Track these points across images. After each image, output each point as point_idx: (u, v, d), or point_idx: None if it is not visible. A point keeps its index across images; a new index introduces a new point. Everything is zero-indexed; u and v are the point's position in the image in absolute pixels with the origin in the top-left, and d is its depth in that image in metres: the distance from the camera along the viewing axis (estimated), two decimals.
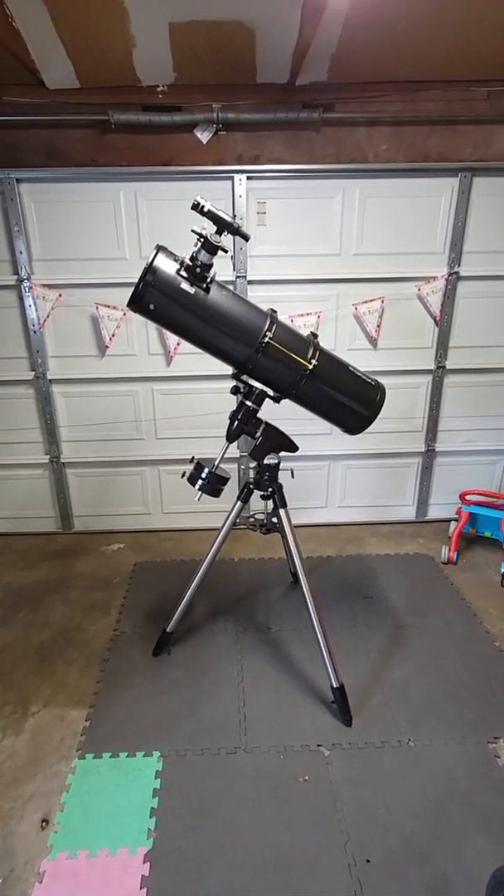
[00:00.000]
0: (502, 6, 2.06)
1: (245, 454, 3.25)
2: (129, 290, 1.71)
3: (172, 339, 2.99)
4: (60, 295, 2.91)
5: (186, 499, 3.31)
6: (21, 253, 2.85)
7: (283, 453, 2.01)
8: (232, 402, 2.01)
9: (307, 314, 2.99)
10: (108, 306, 2.92)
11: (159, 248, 1.72)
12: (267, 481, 2.02)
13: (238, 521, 2.12)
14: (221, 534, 2.10)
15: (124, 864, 1.49)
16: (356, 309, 3.01)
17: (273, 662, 2.25)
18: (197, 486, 1.90)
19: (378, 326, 3.04)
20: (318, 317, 3.00)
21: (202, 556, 2.13)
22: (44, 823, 1.62)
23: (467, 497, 3.11)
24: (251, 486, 2.06)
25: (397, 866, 1.49)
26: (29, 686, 2.15)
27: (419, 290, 3.00)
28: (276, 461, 2.00)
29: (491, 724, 1.94)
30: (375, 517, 3.48)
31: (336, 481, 3.40)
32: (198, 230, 1.67)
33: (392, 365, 3.13)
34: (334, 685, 1.94)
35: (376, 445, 3.28)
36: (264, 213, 2.88)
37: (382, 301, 2.99)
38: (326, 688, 2.00)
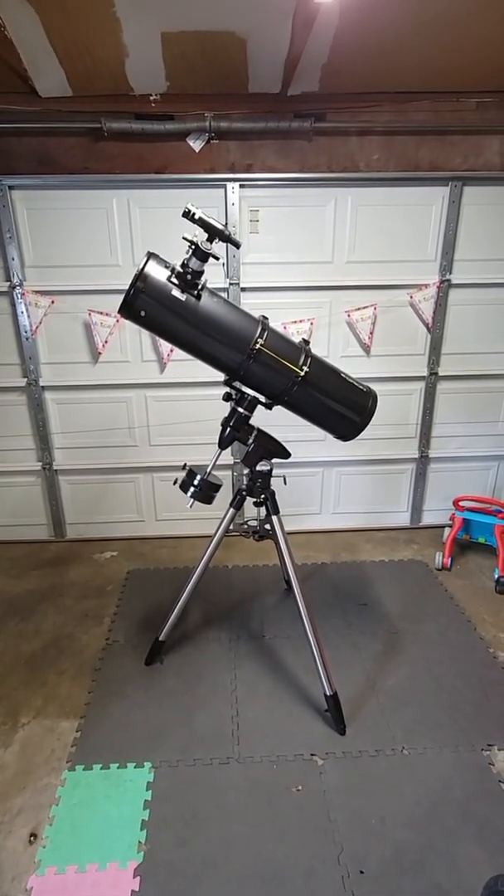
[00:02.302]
0: (490, 19, 2.09)
1: (238, 461, 3.24)
2: (122, 297, 1.71)
3: (166, 345, 2.99)
4: (53, 301, 2.91)
5: (180, 506, 3.30)
6: (13, 259, 2.84)
7: (275, 460, 2.01)
8: (225, 409, 2.01)
9: (300, 321, 3.00)
10: (101, 313, 2.92)
11: (150, 255, 1.72)
12: (259, 488, 2.01)
13: (231, 527, 2.11)
14: (214, 541, 2.09)
15: (114, 879, 1.47)
16: (349, 316, 3.02)
17: (267, 671, 2.23)
18: (189, 493, 1.89)
19: (371, 333, 3.05)
20: (311, 324, 3.01)
21: (196, 564, 2.12)
22: (32, 838, 1.59)
23: (461, 503, 3.12)
24: (244, 493, 2.06)
25: (391, 877, 1.47)
26: (19, 697, 2.12)
27: (411, 297, 3.01)
28: (269, 468, 1.99)
29: (485, 731, 1.93)
30: (369, 523, 3.48)
31: (330, 488, 3.40)
32: (189, 237, 1.68)
33: (385, 371, 3.14)
34: (328, 693, 1.93)
35: (370, 452, 3.28)
36: (257, 220, 2.90)
37: (375, 308, 3.00)
38: (320, 696, 1.99)
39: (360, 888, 1.44)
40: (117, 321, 2.93)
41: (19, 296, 2.89)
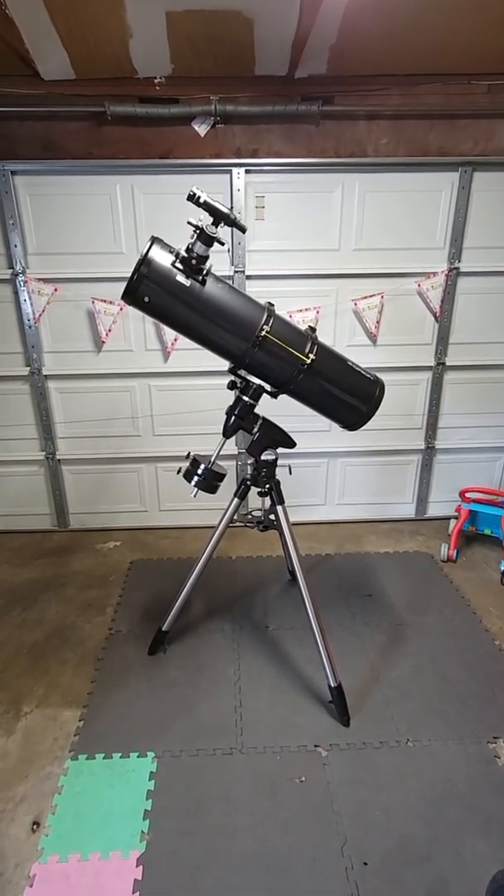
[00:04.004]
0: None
1: (243, 450, 3.22)
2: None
3: (170, 334, 2.96)
4: (56, 289, 2.88)
5: (184, 496, 3.28)
6: (16, 246, 2.81)
7: (280, 449, 1.98)
8: (229, 399, 1.98)
9: (306, 310, 2.96)
10: (105, 301, 2.89)
11: (154, 240, 1.69)
12: (264, 477, 1.99)
13: (235, 518, 2.09)
14: (218, 531, 2.07)
15: (116, 868, 1.46)
16: (356, 304, 2.98)
17: (270, 661, 2.22)
18: (193, 483, 1.87)
19: (378, 322, 3.01)
20: (318, 312, 2.97)
21: (199, 554, 2.10)
22: (35, 826, 1.58)
23: (467, 494, 3.09)
24: (248, 483, 2.03)
25: (395, 869, 1.46)
26: (21, 686, 2.12)
27: (419, 285, 2.97)
28: (274, 457, 1.97)
29: (491, 723, 1.92)
30: (374, 515, 3.46)
31: (335, 478, 3.37)
32: (194, 222, 1.64)
33: (392, 361, 3.10)
34: (332, 684, 1.91)
35: (376, 442, 3.25)
36: (263, 207, 2.85)
37: (382, 297, 2.96)
38: (324, 687, 1.97)
39: (363, 880, 1.43)
40: (121, 309, 2.89)
41: (22, 283, 2.86)
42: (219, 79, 2.61)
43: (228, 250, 2.87)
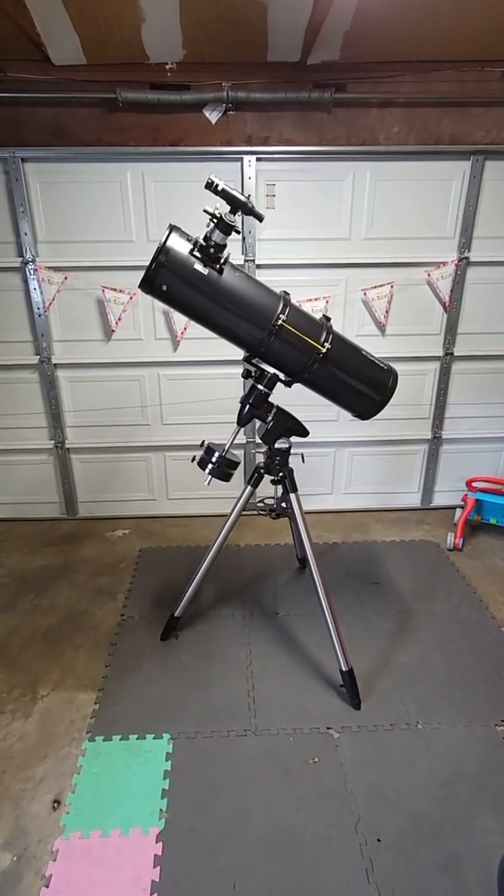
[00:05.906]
0: None
1: (252, 440, 3.23)
2: (136, 274, 1.69)
3: (179, 323, 2.96)
4: (66, 278, 2.87)
5: (192, 485, 3.31)
6: (26, 234, 2.80)
7: (293, 438, 2.00)
8: (237, 388, 2.00)
9: (315, 299, 2.96)
10: (115, 290, 2.88)
11: (172, 228, 1.69)
12: (278, 466, 2.01)
13: (247, 506, 2.11)
14: (231, 518, 2.09)
15: (137, 844, 1.50)
16: (365, 294, 2.98)
17: (281, 647, 2.25)
18: (207, 471, 1.89)
19: (387, 312, 3.01)
20: (327, 302, 2.97)
21: (208, 542, 2.13)
22: (55, 804, 1.62)
23: (473, 484, 3.11)
24: (262, 471, 2.05)
25: (408, 846, 1.50)
26: (37, 670, 2.16)
27: (429, 275, 2.97)
28: (288, 445, 1.99)
29: (498, 708, 1.96)
30: (381, 504, 3.48)
31: (342, 468, 3.39)
32: (210, 210, 1.64)
33: (400, 351, 3.11)
34: (343, 669, 1.95)
35: (383, 432, 3.27)
36: (273, 195, 2.84)
37: (392, 286, 2.96)
38: (334, 672, 2.01)
39: (377, 855, 1.48)
40: (131, 298, 2.89)
41: (32, 272, 2.86)
42: (230, 65, 2.59)
43: (243, 238, 2.86)
